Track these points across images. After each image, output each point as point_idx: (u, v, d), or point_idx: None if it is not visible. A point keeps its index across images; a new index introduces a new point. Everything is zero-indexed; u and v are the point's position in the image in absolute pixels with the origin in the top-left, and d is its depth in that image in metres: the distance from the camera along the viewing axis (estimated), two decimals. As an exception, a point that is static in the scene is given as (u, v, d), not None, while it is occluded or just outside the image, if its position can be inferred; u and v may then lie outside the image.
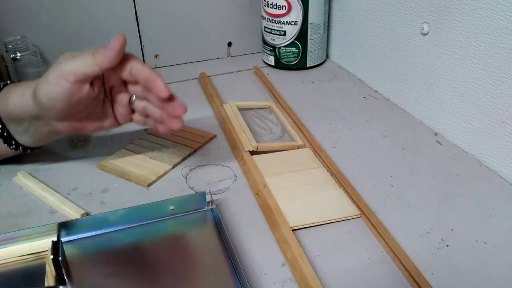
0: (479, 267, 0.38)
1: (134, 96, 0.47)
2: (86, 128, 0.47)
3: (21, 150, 0.49)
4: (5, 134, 0.47)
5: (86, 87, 0.43)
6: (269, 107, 0.65)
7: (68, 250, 0.40)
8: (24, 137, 0.48)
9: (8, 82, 0.49)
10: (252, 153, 0.53)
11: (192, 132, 0.59)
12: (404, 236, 0.41)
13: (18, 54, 0.68)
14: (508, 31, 0.46)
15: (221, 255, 0.39)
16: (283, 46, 0.77)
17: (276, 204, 0.44)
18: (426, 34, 0.57)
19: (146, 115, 0.48)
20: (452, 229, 0.42)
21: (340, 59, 0.80)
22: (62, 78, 0.42)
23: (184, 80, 0.75)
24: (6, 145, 0.48)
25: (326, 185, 0.48)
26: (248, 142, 0.54)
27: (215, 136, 0.58)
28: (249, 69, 0.79)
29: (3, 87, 0.47)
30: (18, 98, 0.45)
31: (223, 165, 0.52)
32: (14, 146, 0.48)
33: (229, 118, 0.59)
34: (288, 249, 0.39)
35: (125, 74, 0.44)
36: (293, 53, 0.77)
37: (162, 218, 0.44)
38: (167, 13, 0.77)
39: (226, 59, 0.84)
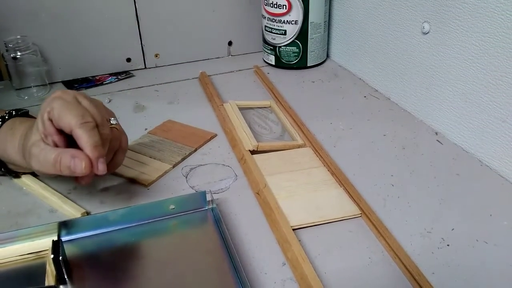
0: (480, 266, 0.38)
1: None
2: None
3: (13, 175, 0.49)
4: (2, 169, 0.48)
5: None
6: (270, 107, 0.65)
7: (68, 249, 0.40)
8: (19, 168, 0.48)
9: (6, 117, 0.48)
10: (253, 152, 0.53)
11: (192, 132, 0.59)
12: (405, 235, 0.41)
13: (19, 53, 0.68)
14: (509, 30, 0.46)
15: (221, 254, 0.39)
16: (284, 46, 0.77)
17: (277, 204, 0.44)
18: (426, 33, 0.57)
19: None
20: (453, 229, 0.42)
21: (340, 59, 0.80)
22: (42, 169, 0.41)
23: (184, 80, 0.75)
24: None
25: (327, 185, 0.48)
26: (248, 142, 0.54)
27: (215, 135, 0.58)
28: (249, 69, 0.79)
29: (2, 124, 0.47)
30: (13, 150, 0.45)
31: (224, 165, 0.52)
32: (6, 173, 0.49)
33: (230, 118, 0.59)
34: (288, 249, 0.39)
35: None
36: (293, 53, 0.77)
37: (162, 218, 0.44)
38: (168, 12, 0.77)
39: (227, 58, 0.84)
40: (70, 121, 0.40)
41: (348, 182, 0.48)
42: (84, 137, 0.40)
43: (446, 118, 0.57)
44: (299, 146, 0.55)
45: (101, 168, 0.40)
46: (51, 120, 0.41)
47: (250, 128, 0.57)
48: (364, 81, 0.73)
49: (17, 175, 0.50)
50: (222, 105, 0.63)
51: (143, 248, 0.41)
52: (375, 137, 0.57)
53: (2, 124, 0.47)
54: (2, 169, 0.49)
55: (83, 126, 0.40)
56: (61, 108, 0.40)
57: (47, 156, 0.40)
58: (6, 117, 0.48)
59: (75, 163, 0.39)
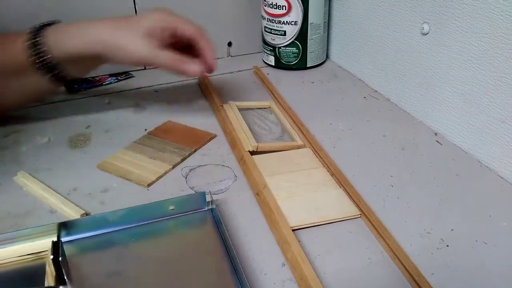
0: (479, 267, 0.38)
1: None
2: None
3: (69, 85, 0.56)
4: (61, 74, 0.53)
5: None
6: (269, 107, 0.65)
7: (68, 250, 0.40)
8: (76, 72, 0.54)
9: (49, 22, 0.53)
10: (252, 153, 0.53)
11: (192, 132, 0.59)
12: (404, 236, 0.41)
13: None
14: (508, 31, 0.46)
15: (221, 255, 0.39)
16: (283, 46, 0.77)
17: (276, 204, 0.44)
18: (426, 34, 0.57)
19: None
20: (452, 229, 0.42)
21: (340, 59, 0.80)
22: (137, 61, 0.53)
23: (184, 80, 0.75)
24: (59, 83, 0.54)
25: (326, 185, 0.48)
26: (248, 142, 0.54)
27: (215, 136, 0.58)
28: (249, 69, 0.79)
29: (47, 25, 0.52)
30: (79, 42, 0.51)
31: (223, 165, 0.52)
32: (67, 83, 0.55)
33: (229, 118, 0.59)
34: (288, 249, 0.39)
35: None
36: (293, 53, 0.77)
37: (162, 218, 0.44)
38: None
39: (226, 59, 0.84)
40: (195, 30, 0.54)
41: (347, 183, 0.48)
42: (207, 44, 0.56)
43: (445, 119, 0.57)
44: (298, 147, 0.55)
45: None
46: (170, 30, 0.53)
47: (250, 128, 0.57)
48: (363, 81, 0.73)
49: (64, 80, 0.54)
50: (222, 105, 0.63)
51: (142, 249, 0.41)
52: (374, 137, 0.57)
53: (47, 25, 0.52)
54: (53, 74, 0.52)
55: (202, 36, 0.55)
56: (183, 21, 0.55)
57: (165, 54, 0.52)
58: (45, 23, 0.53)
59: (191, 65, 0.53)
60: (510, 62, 0.47)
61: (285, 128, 0.59)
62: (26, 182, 0.49)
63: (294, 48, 0.76)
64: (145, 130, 0.59)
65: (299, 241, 0.40)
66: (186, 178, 0.50)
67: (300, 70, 0.78)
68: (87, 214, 0.45)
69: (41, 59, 0.50)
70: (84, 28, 0.51)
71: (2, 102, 0.55)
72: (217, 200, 0.47)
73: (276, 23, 0.75)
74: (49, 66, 0.51)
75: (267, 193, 0.46)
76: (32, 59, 0.50)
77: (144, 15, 0.53)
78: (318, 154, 0.53)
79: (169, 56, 0.52)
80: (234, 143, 0.55)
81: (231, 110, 0.62)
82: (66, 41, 0.51)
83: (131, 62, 0.54)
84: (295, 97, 0.68)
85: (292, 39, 0.76)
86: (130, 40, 0.51)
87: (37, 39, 0.50)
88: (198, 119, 0.62)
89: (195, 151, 0.55)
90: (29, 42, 0.50)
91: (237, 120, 0.59)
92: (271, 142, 0.57)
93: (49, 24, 0.53)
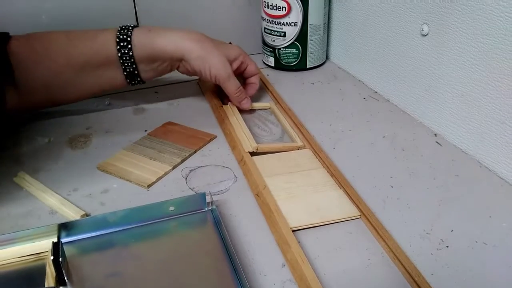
0: (479, 267, 0.38)
1: None
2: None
3: (132, 84, 0.60)
4: (136, 72, 0.58)
5: None
6: (269, 108, 0.65)
7: (68, 251, 0.40)
8: (147, 74, 0.59)
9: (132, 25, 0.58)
10: (252, 154, 0.53)
11: (192, 133, 0.59)
12: (404, 237, 0.42)
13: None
14: (508, 32, 0.46)
15: (221, 256, 0.39)
16: (283, 47, 0.77)
17: (276, 205, 0.44)
18: (426, 35, 0.57)
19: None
20: (452, 230, 0.42)
21: (340, 60, 0.80)
22: (210, 75, 0.59)
23: (184, 81, 0.75)
24: (127, 80, 0.59)
25: (326, 186, 0.48)
26: (248, 143, 0.54)
27: (215, 137, 0.58)
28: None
29: (132, 28, 0.57)
30: (165, 41, 0.56)
31: (223, 166, 0.52)
32: (134, 82, 0.59)
33: (229, 119, 0.60)
34: (288, 250, 0.39)
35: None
36: (293, 54, 0.77)
37: (162, 219, 0.44)
38: (167, 14, 0.77)
39: (226, 60, 0.84)
40: (257, 70, 0.65)
41: (347, 184, 0.48)
42: (257, 85, 0.66)
43: (445, 120, 0.57)
44: (298, 148, 0.55)
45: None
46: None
47: (250, 129, 0.57)
48: (363, 82, 0.73)
49: (135, 79, 0.59)
50: (222, 106, 0.63)
51: (142, 249, 0.41)
52: (374, 138, 0.57)
53: (133, 27, 0.57)
54: (131, 71, 0.58)
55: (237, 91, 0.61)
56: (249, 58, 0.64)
57: (235, 81, 0.60)
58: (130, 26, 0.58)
59: (246, 101, 0.62)
60: (509, 63, 0.47)
61: (285, 129, 0.60)
62: (26, 182, 0.49)
63: (294, 49, 0.76)
64: (145, 131, 0.59)
65: (299, 241, 0.41)
66: (186, 179, 0.50)
67: (300, 71, 0.79)
68: (87, 214, 0.45)
69: (128, 53, 0.56)
70: (174, 31, 0.57)
71: (70, 93, 0.59)
72: (217, 201, 0.47)
73: (276, 24, 0.75)
74: (131, 62, 0.56)
75: (267, 194, 0.46)
76: (120, 52, 0.56)
77: (227, 45, 0.62)
78: (318, 155, 0.53)
79: (238, 85, 0.60)
80: (234, 144, 0.55)
81: (231, 111, 0.62)
82: (154, 38, 0.56)
83: (205, 74, 0.58)
84: (295, 98, 0.68)
85: (292, 40, 0.76)
86: (216, 55, 0.58)
87: (128, 33, 0.56)
88: (198, 120, 0.62)
89: (195, 152, 0.55)
90: (120, 36, 0.55)
91: (237, 121, 0.59)
92: (271, 143, 0.57)
93: (135, 26, 0.58)
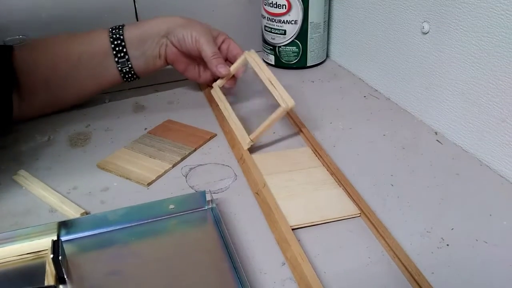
0: (479, 266, 0.38)
1: None
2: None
3: (126, 78, 0.62)
4: (126, 57, 0.60)
5: None
6: (244, 59, 0.62)
7: (68, 249, 0.40)
8: (138, 61, 0.61)
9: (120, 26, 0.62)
10: (252, 150, 0.53)
11: (192, 131, 0.59)
12: (404, 235, 0.41)
13: (18, 53, 0.68)
14: (509, 29, 0.46)
15: (221, 254, 0.39)
16: (283, 45, 0.77)
17: (276, 203, 0.44)
18: (426, 33, 0.57)
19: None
20: (452, 228, 0.42)
21: (340, 58, 0.80)
22: (195, 41, 0.61)
23: (184, 79, 0.75)
24: (119, 69, 0.61)
25: (326, 184, 0.48)
26: (243, 140, 0.53)
27: (215, 135, 0.58)
28: (249, 68, 0.79)
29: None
30: (153, 22, 0.61)
31: (223, 164, 0.52)
32: (125, 71, 0.61)
33: (216, 102, 0.61)
34: (288, 248, 0.39)
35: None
36: (293, 52, 0.77)
37: (162, 217, 0.44)
38: (167, 12, 0.77)
39: (226, 58, 0.84)
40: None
41: (347, 182, 0.48)
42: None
43: (445, 118, 0.57)
44: (287, 112, 0.53)
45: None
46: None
47: (240, 120, 0.56)
48: (363, 81, 0.73)
49: (130, 77, 0.63)
50: (209, 86, 0.66)
51: (142, 247, 0.41)
52: (374, 137, 0.57)
53: (123, 26, 0.61)
54: (129, 66, 0.61)
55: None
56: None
57: (214, 47, 0.62)
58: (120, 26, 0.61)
59: (222, 66, 0.62)
60: (510, 61, 0.47)
61: (267, 85, 0.55)
62: (26, 181, 0.49)
63: (294, 47, 0.76)
64: (145, 129, 0.59)
65: (298, 240, 0.40)
66: (186, 177, 0.50)
67: (300, 69, 0.78)
68: (87, 213, 0.45)
69: (120, 46, 0.60)
70: (157, 17, 0.62)
71: (69, 89, 0.62)
72: (217, 199, 0.47)
73: (276, 22, 0.75)
74: (122, 46, 0.60)
75: (267, 192, 0.46)
76: (112, 38, 0.60)
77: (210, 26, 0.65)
78: (318, 153, 0.53)
79: (216, 50, 0.62)
80: (233, 142, 0.55)
81: (215, 93, 0.63)
82: (142, 22, 0.63)
83: (187, 39, 0.61)
84: (295, 96, 0.67)
85: (292, 38, 0.76)
86: (199, 24, 0.62)
87: (120, 26, 0.61)
88: (198, 118, 0.62)
89: (195, 150, 0.55)
90: (113, 27, 0.60)
91: (224, 106, 0.60)
92: (261, 126, 0.53)
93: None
